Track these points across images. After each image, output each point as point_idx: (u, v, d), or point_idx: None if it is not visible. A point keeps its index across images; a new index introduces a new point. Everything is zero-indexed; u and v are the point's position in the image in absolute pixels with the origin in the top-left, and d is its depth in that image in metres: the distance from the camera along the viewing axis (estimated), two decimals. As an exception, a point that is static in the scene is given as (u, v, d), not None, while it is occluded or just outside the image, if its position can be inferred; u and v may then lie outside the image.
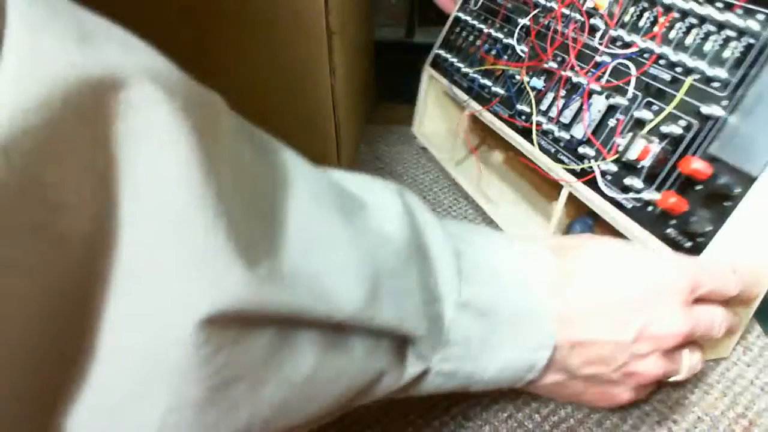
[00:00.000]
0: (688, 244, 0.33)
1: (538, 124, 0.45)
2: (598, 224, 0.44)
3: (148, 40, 0.18)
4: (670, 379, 0.32)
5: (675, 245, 0.33)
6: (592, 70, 0.42)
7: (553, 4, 0.47)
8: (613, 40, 0.41)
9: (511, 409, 0.36)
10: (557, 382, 0.29)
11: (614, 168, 0.38)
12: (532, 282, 0.28)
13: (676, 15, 0.37)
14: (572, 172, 0.41)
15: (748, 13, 0.33)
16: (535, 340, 0.27)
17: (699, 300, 0.31)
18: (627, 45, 0.40)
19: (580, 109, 0.42)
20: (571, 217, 0.46)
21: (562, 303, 0.28)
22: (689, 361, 0.32)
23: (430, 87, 0.63)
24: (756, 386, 0.37)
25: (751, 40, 0.33)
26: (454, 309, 0.24)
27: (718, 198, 0.32)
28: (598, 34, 0.42)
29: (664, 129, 0.35)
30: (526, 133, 0.46)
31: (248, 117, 0.22)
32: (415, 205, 0.25)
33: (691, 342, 0.31)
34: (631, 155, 0.36)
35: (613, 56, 0.40)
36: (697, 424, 0.35)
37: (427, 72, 0.62)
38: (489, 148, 0.61)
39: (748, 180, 0.31)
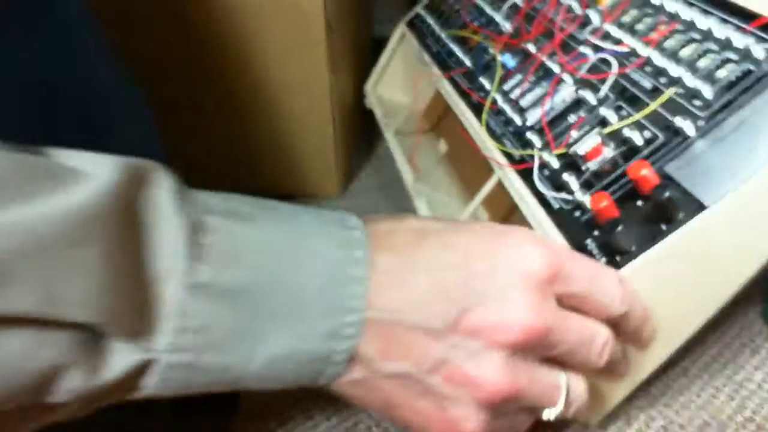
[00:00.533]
0: (602, 260, 0.28)
1: (494, 102, 0.40)
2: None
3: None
4: (547, 414, 0.25)
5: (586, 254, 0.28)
6: (570, 60, 0.37)
7: (554, -11, 0.42)
8: (603, 36, 0.36)
9: None
10: (357, 381, 0.23)
11: (556, 164, 0.33)
12: (326, 261, 0.22)
13: (679, 27, 0.33)
14: (509, 157, 0.36)
15: (758, 40, 0.29)
16: (326, 325, 0.22)
17: (567, 303, 0.24)
18: (616, 42, 0.35)
19: (543, 96, 0.37)
20: (493, 212, 0.40)
21: (368, 272, 0.22)
22: (568, 386, 0.25)
23: (399, 48, 0.57)
24: (764, 390, 0.35)
25: (752, 67, 0.28)
26: (183, 290, 0.20)
27: (656, 217, 0.27)
28: (589, 28, 0.38)
29: (625, 133, 0.31)
30: (478, 110, 0.41)
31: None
32: (151, 178, 0.21)
33: (567, 365, 0.25)
34: (580, 150, 0.31)
35: (597, 49, 0.36)
36: (704, 429, 0.33)
37: (400, 30, 0.56)
38: (436, 136, 0.55)
39: (697, 207, 0.26)
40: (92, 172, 0.19)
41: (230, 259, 0.21)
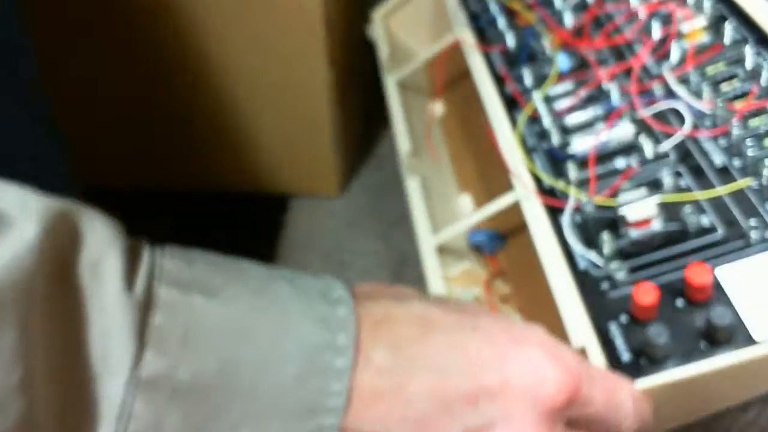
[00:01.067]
0: (626, 357, 0.25)
1: (534, 107, 0.35)
2: (511, 245, 0.36)
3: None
4: None
5: (608, 346, 0.25)
6: (637, 94, 0.32)
7: (638, 4, 0.36)
8: (681, 79, 0.32)
9: None
10: None
11: (592, 212, 0.29)
12: (302, 348, 0.19)
13: (770, 105, 0.29)
14: (537, 181, 0.32)
15: None
16: (299, 429, 0.18)
17: (577, 420, 0.22)
18: (696, 94, 0.31)
19: (593, 122, 0.32)
20: (499, 224, 0.36)
21: (351, 362, 0.19)
22: None
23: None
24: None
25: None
26: (124, 388, 0.16)
27: (697, 332, 0.24)
28: (667, 64, 0.33)
29: (683, 213, 0.27)
30: (510, 104, 0.36)
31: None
32: (83, 231, 0.17)
33: None
34: (630, 214, 0.27)
35: (671, 95, 0.31)
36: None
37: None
38: (433, 97, 0.49)
39: (746, 338, 0.23)
40: (16, 219, 0.15)
41: (186, 346, 0.17)
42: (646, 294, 0.25)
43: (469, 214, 0.44)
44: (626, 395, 0.23)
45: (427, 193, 0.39)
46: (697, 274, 0.24)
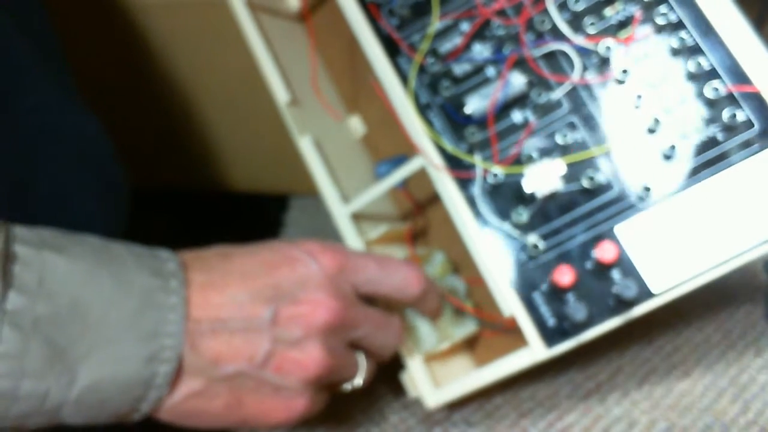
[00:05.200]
0: (551, 323, 0.28)
1: (422, 54, 0.32)
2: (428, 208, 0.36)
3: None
4: (348, 385, 0.30)
5: (534, 314, 0.29)
6: (528, 35, 0.30)
7: None
8: (573, 17, 0.30)
9: (514, 416, 0.34)
10: (196, 392, 0.25)
11: (500, 179, 0.30)
12: (140, 288, 0.24)
13: (658, 37, 0.29)
14: (441, 148, 0.31)
15: (733, 104, 0.28)
16: (145, 349, 0.23)
17: (365, 292, 0.29)
18: (589, 37, 0.30)
19: (481, 70, 0.31)
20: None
21: (183, 299, 0.25)
22: (365, 364, 0.30)
23: None
24: (767, 392, 0.35)
25: (718, 135, 0.28)
26: (8, 304, 0.21)
27: (608, 294, 0.28)
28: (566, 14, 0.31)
29: (582, 172, 0.29)
30: (391, 49, 0.33)
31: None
32: None
33: (369, 349, 0.30)
34: (536, 189, 0.29)
35: (561, 37, 0.30)
36: (706, 431, 0.33)
37: None
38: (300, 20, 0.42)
39: (646, 294, 0.27)
40: None
41: (41, 288, 0.21)
42: (564, 275, 0.28)
43: (359, 137, 0.43)
44: (400, 264, 0.30)
45: (327, 149, 0.37)
46: (605, 251, 0.27)
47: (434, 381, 0.32)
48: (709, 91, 0.28)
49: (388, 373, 0.34)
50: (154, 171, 0.55)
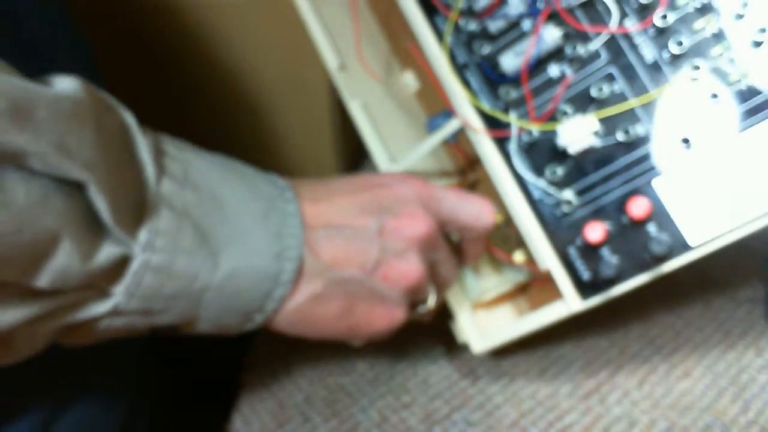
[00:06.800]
0: (586, 276, 0.29)
1: (457, 12, 0.32)
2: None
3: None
4: (420, 310, 0.32)
5: (570, 268, 0.29)
6: (559, -17, 0.30)
7: None
8: (603, -47, 0.29)
9: (514, 416, 0.34)
10: (316, 294, 0.26)
11: (536, 137, 0.30)
12: (263, 193, 0.26)
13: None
14: (479, 108, 0.32)
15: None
16: (273, 246, 0.25)
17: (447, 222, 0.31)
18: (620, -22, 0.28)
19: (517, 25, 0.31)
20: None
21: (304, 192, 0.28)
22: (434, 292, 0.31)
23: None
24: (767, 392, 0.35)
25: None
26: (155, 197, 0.22)
27: (642, 248, 0.28)
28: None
29: (619, 125, 0.28)
30: (429, 11, 0.33)
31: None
32: (114, 104, 0.23)
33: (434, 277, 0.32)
34: (570, 146, 0.29)
35: (596, -18, 0.29)
36: (707, 431, 0.33)
37: None
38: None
39: (682, 246, 0.27)
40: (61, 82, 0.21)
41: (187, 180, 0.24)
42: (594, 232, 0.28)
43: (413, 92, 0.43)
44: (476, 197, 0.31)
45: (374, 112, 0.38)
46: (637, 207, 0.27)
47: (481, 329, 0.34)
48: (755, 33, 0.26)
49: (388, 373, 0.36)
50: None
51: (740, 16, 0.26)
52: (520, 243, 0.37)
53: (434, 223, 0.29)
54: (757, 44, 0.26)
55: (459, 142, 0.39)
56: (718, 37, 0.27)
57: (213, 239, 0.23)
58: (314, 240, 0.26)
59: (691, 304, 0.40)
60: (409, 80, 0.43)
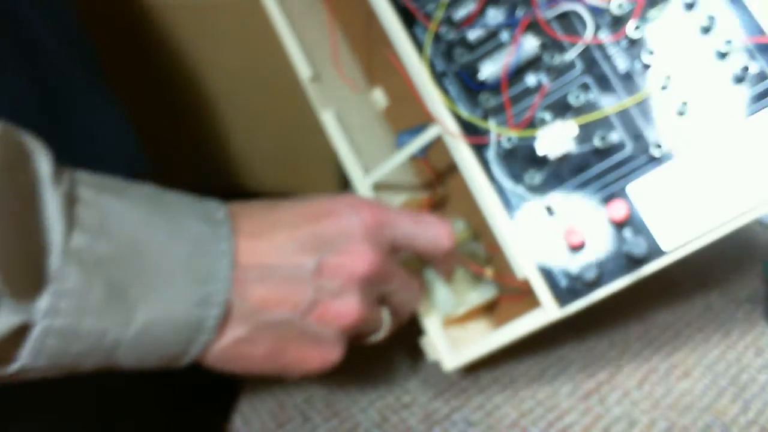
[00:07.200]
0: (564, 283, 0.29)
1: (437, 22, 0.33)
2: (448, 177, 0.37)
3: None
4: (371, 339, 0.31)
5: (547, 276, 0.29)
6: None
7: None
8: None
9: (514, 416, 0.34)
10: (242, 338, 0.26)
11: (514, 143, 0.30)
12: (192, 233, 0.25)
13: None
14: (457, 116, 0.32)
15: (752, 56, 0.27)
16: (196, 293, 0.24)
17: (401, 247, 0.30)
18: (595, -7, 0.30)
19: (495, 35, 0.31)
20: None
21: (233, 246, 0.26)
22: (388, 320, 0.30)
23: None
24: (767, 392, 0.35)
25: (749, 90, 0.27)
26: (60, 256, 0.22)
27: (621, 253, 0.28)
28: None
29: (595, 132, 0.29)
30: (409, 22, 0.33)
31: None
32: (31, 149, 0.22)
33: (391, 304, 0.31)
34: (549, 152, 0.29)
35: (574, 0, 0.30)
36: (707, 431, 0.33)
37: None
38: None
39: (656, 252, 0.28)
40: None
41: (103, 228, 0.23)
42: (575, 235, 0.28)
43: (381, 109, 0.43)
44: (432, 219, 0.30)
45: (348, 123, 0.38)
46: (616, 210, 0.27)
47: (453, 345, 0.33)
48: (722, 45, 0.27)
49: (389, 374, 0.35)
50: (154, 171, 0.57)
51: (706, 30, 0.28)
52: (488, 260, 0.37)
53: (380, 259, 0.28)
54: (722, 55, 0.27)
55: (427, 157, 0.39)
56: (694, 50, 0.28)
57: (128, 292, 0.23)
58: (245, 281, 0.26)
59: (692, 305, 0.41)
60: (378, 97, 0.43)
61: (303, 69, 0.38)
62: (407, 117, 0.42)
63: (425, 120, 0.39)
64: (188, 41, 0.49)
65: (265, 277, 0.26)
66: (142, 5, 0.47)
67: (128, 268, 0.23)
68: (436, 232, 0.30)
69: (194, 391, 0.27)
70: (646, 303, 0.40)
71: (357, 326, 0.28)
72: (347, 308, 0.27)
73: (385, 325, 0.31)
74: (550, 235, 0.29)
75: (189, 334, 0.24)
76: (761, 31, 0.27)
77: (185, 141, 0.54)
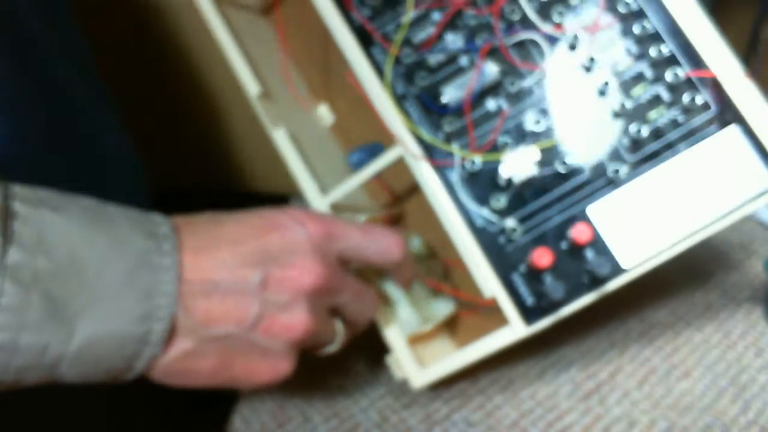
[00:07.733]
0: (530, 302, 0.30)
1: (398, 45, 0.32)
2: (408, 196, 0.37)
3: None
4: (325, 350, 0.31)
5: (514, 294, 0.30)
6: (499, 24, 0.31)
7: None
8: (541, 5, 0.31)
9: (514, 416, 0.34)
10: (188, 352, 0.26)
11: (478, 163, 0.31)
12: (134, 248, 0.25)
13: (620, 26, 0.30)
14: (419, 138, 0.32)
15: (692, 88, 0.29)
16: (139, 308, 0.24)
17: (350, 259, 0.30)
18: (556, 25, 0.31)
19: (455, 59, 0.32)
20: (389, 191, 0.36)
21: (176, 260, 0.26)
22: (342, 331, 0.31)
23: None
24: (767, 392, 0.36)
25: (680, 117, 0.29)
26: (9, 259, 0.22)
27: (581, 272, 0.29)
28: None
29: (554, 157, 0.30)
30: (366, 43, 0.33)
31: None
32: None
33: (345, 315, 0.31)
34: (513, 175, 0.30)
35: (531, 26, 0.31)
36: (707, 431, 0.33)
37: None
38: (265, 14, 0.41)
39: (616, 270, 0.29)
40: None
41: (40, 244, 0.22)
42: (542, 257, 0.29)
43: (328, 125, 0.43)
44: (382, 230, 0.30)
45: (301, 141, 0.37)
46: (581, 232, 0.29)
47: (419, 363, 0.33)
48: (670, 77, 0.29)
49: (388, 373, 0.35)
50: (154, 171, 0.54)
51: (654, 62, 0.30)
52: (445, 276, 0.37)
53: (327, 271, 0.28)
54: (671, 87, 0.29)
55: (381, 177, 0.39)
56: (640, 77, 0.30)
57: (68, 307, 0.22)
58: (190, 296, 0.25)
59: (692, 305, 0.41)
60: (323, 113, 0.43)
61: (251, 86, 0.36)
62: (356, 134, 0.42)
63: (374, 138, 0.39)
64: (188, 41, 0.47)
65: (210, 292, 0.26)
66: (142, 5, 0.46)
67: (68, 284, 0.23)
68: (386, 243, 0.30)
69: (193, 391, 0.26)
70: (646, 303, 0.41)
71: (306, 339, 0.28)
72: (294, 321, 0.27)
73: (339, 336, 0.31)
74: (516, 256, 0.30)
75: (134, 348, 0.24)
76: (704, 66, 0.29)
77: (185, 142, 0.53)
